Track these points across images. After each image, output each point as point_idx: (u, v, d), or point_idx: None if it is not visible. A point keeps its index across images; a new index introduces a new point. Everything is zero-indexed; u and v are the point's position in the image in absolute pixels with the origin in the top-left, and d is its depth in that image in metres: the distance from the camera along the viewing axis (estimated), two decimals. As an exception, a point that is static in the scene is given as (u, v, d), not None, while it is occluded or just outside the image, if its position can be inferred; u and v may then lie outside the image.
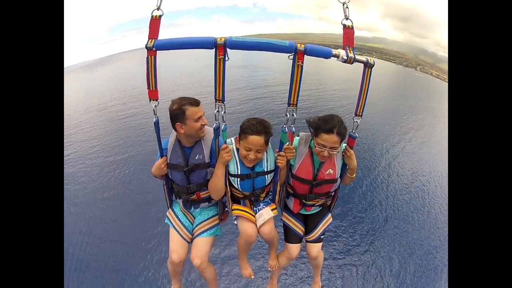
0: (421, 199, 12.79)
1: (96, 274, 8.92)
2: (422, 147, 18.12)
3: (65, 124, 21.96)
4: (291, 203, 2.92)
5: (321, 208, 2.99)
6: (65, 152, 16.73)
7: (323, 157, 2.48)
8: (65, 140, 18.46)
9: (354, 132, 2.50)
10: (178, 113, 2.41)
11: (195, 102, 2.46)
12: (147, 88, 2.19)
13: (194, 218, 2.97)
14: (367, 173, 14.27)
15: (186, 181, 2.69)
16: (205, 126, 2.59)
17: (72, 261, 9.31)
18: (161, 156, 2.63)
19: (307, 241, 3.04)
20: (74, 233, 10.38)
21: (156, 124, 2.42)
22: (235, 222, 2.84)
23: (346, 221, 11.00)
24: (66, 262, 9.26)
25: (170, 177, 2.75)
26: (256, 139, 2.42)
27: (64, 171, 14.44)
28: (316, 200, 2.82)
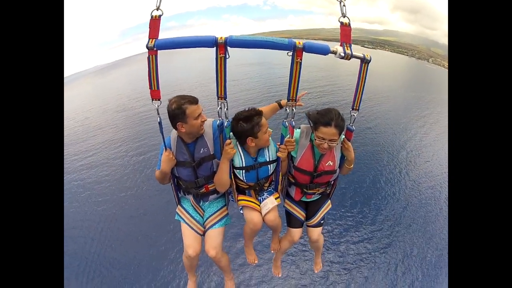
0: (438, 188, 12.87)
1: (123, 270, 9.20)
2: (439, 139, 17.97)
3: (84, 126, 23.06)
4: (293, 191, 3.02)
5: (321, 195, 3.10)
6: (88, 154, 17.32)
7: (324, 149, 2.54)
8: (86, 142, 19.19)
9: (352, 125, 2.56)
10: (178, 112, 2.40)
11: (194, 100, 2.45)
12: (149, 88, 2.20)
13: (204, 211, 3.01)
14: (386, 164, 14.52)
15: (193, 176, 2.72)
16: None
17: (100, 257, 9.61)
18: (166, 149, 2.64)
19: (308, 226, 3.17)
20: (99, 230, 10.74)
21: (161, 124, 2.43)
22: (241, 212, 2.92)
23: (368, 207, 11.30)
24: (91, 259, 9.57)
25: (177, 174, 2.76)
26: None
27: (88, 172, 15.06)
28: (316, 189, 2.93)
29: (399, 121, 20.56)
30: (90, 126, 22.92)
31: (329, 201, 3.19)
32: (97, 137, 20.16)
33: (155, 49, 2.04)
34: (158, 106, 2.28)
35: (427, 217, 11.05)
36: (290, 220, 3.15)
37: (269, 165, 2.74)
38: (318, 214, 3.10)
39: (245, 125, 2.45)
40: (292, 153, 2.73)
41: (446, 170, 14.01)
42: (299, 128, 2.76)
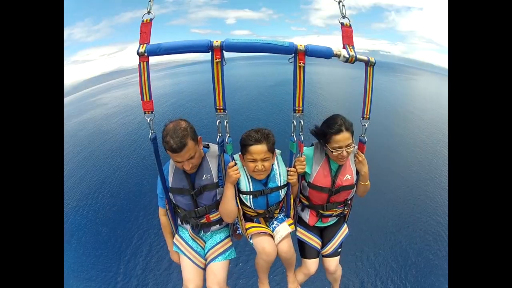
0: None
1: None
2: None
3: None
4: (307, 216, 2.68)
5: (337, 219, 2.76)
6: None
7: (343, 158, 2.28)
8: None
9: (364, 136, 2.33)
10: (162, 143, 2.08)
11: (172, 150, 2.02)
12: (141, 99, 1.96)
13: (205, 242, 2.66)
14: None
15: (193, 205, 2.38)
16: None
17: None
18: (162, 181, 2.33)
19: (323, 256, 2.78)
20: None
21: (154, 141, 2.09)
22: (251, 241, 2.51)
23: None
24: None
25: (174, 201, 2.43)
26: (258, 148, 2.16)
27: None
28: (334, 209, 2.60)
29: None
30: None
31: (346, 225, 2.84)
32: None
33: (146, 55, 1.85)
34: (151, 119, 2.02)
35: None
36: (305, 250, 2.74)
37: (280, 190, 2.39)
38: (334, 240, 2.73)
39: None
40: (307, 170, 2.41)
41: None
42: (312, 145, 2.50)
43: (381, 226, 11.17)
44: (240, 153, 2.31)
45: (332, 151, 2.26)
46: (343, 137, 2.20)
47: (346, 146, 2.22)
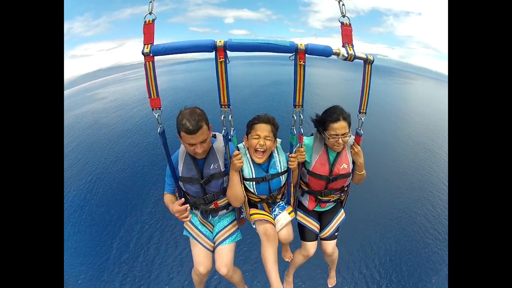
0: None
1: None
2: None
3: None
4: (306, 201, 2.85)
5: (334, 204, 2.93)
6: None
7: (339, 146, 2.47)
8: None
9: (360, 129, 2.45)
10: (177, 126, 2.18)
11: (191, 130, 2.10)
12: (148, 97, 2.01)
13: (213, 226, 2.80)
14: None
15: (202, 192, 2.52)
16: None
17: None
18: (171, 170, 2.43)
19: (321, 239, 2.94)
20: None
21: (162, 134, 2.18)
22: (254, 226, 2.70)
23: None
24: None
25: (184, 189, 2.55)
26: (263, 126, 2.36)
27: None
28: (331, 195, 2.76)
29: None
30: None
31: (343, 210, 3.01)
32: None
33: (151, 55, 1.89)
34: (159, 115, 2.10)
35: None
36: (304, 233, 2.92)
37: (281, 176, 2.55)
38: (332, 224, 2.90)
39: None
40: (306, 158, 2.55)
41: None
42: (312, 135, 2.65)
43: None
44: (243, 141, 2.49)
45: (329, 138, 2.44)
46: (340, 125, 2.37)
47: (342, 134, 2.40)
